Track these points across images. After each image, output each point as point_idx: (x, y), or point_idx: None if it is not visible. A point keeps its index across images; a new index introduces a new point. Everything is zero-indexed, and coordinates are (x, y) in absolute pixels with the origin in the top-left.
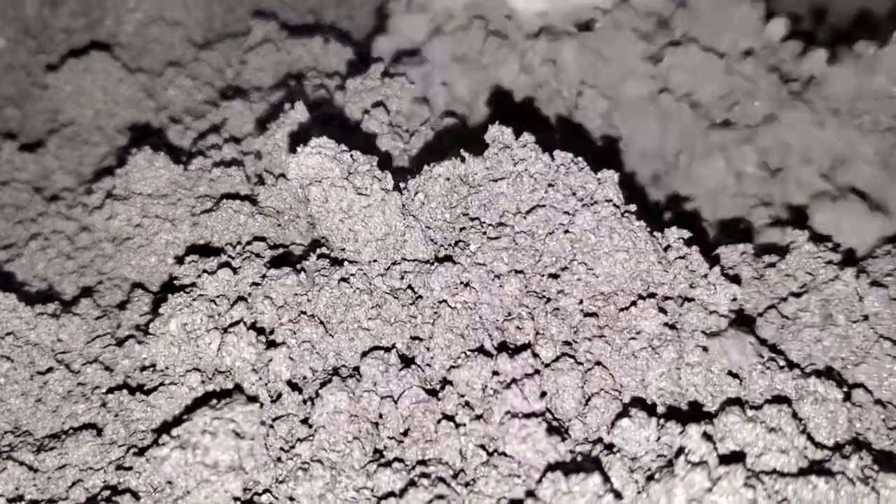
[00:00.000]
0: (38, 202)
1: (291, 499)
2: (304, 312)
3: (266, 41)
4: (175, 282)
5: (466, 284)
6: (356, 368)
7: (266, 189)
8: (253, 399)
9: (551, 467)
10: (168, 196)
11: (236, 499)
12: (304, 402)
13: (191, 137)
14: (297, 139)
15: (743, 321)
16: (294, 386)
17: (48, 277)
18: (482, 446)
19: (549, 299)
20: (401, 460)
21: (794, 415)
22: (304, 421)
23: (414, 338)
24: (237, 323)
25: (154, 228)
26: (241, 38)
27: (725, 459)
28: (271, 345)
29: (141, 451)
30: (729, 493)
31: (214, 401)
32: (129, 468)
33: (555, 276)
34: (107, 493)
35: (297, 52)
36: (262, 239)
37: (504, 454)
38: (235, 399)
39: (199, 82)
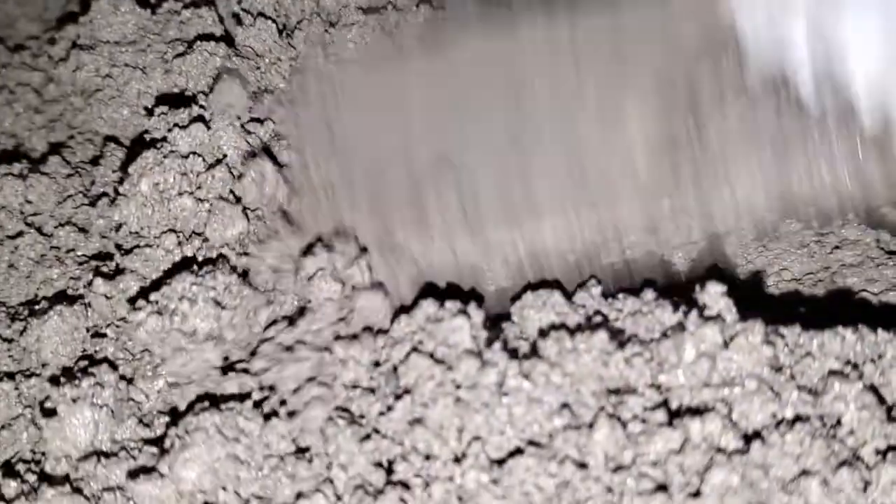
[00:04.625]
0: (1, 52)
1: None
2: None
3: None
4: (145, 136)
5: None
6: None
7: (244, 29)
8: (235, 269)
9: (554, 326)
10: (136, 43)
11: (216, 367)
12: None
13: None
14: None
15: None
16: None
17: (17, 133)
18: None
19: None
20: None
21: None
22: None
23: None
24: (213, 182)
25: (124, 78)
26: None
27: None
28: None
29: (117, 318)
30: (747, 350)
31: (195, 267)
32: (105, 335)
33: None
34: (84, 362)
35: None
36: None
37: None
38: (218, 267)
39: None
